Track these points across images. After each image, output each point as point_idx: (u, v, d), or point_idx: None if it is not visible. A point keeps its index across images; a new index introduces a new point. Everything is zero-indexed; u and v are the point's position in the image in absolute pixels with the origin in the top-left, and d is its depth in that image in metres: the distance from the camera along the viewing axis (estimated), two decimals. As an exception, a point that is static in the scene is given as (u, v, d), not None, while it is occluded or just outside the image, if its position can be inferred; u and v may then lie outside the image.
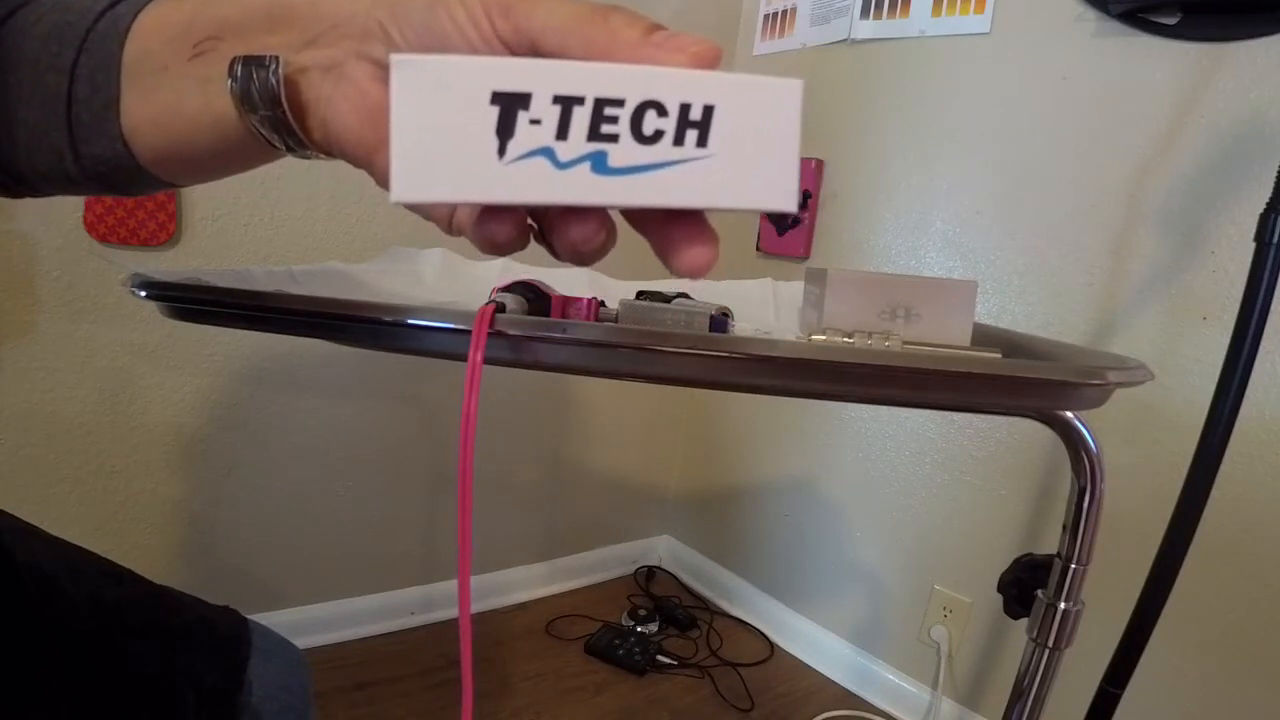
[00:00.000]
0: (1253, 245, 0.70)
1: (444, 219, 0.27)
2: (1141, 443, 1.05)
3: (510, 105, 0.19)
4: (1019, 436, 1.21)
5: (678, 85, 0.20)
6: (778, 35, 1.57)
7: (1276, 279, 0.69)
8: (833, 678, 1.48)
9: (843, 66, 1.44)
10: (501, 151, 0.19)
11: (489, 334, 0.31)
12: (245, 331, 0.38)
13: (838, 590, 1.50)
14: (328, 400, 1.32)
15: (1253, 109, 0.95)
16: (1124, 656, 0.79)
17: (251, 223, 1.18)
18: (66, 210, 1.03)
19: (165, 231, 1.10)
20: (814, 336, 0.47)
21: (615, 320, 0.47)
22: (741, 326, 0.49)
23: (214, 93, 0.27)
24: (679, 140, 0.20)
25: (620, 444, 1.76)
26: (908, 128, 1.34)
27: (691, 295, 0.53)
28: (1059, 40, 1.13)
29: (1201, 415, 0.74)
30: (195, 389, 1.20)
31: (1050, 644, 0.52)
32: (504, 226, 0.24)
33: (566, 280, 0.52)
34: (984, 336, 0.51)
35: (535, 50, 0.23)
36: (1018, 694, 0.55)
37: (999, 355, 0.45)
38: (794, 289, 0.62)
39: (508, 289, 0.44)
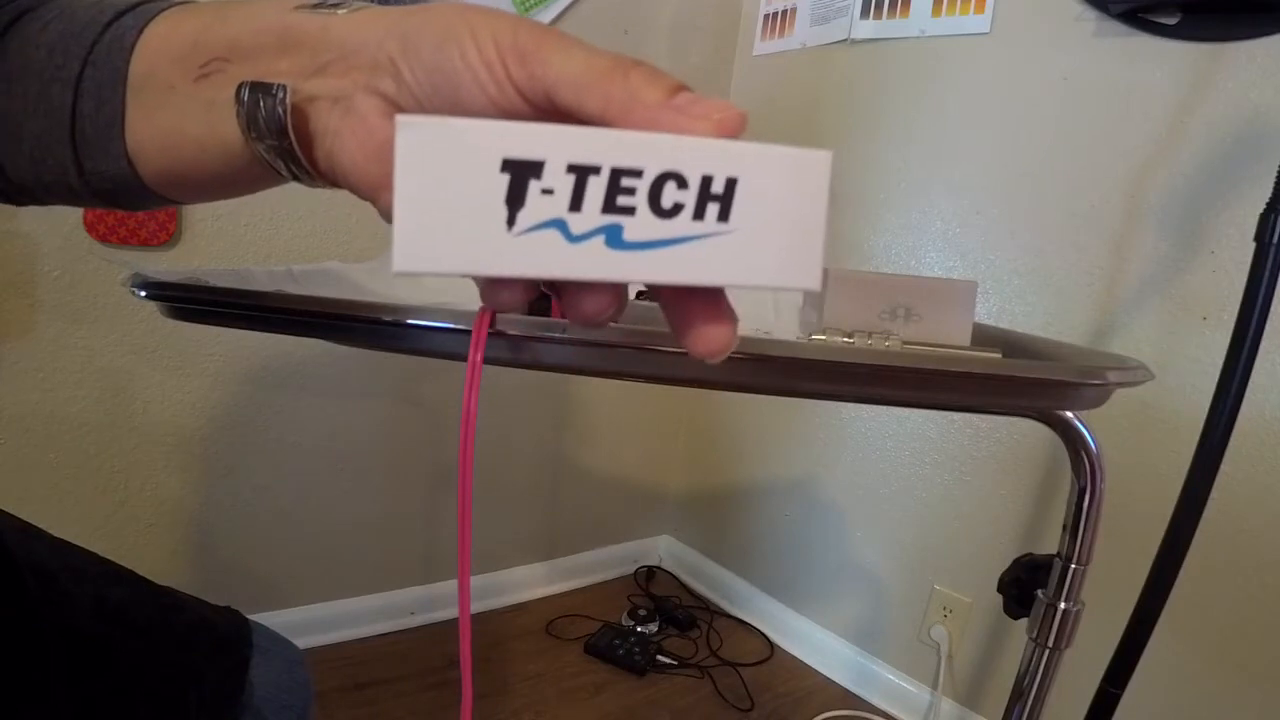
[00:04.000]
0: (1253, 245, 0.70)
1: None
2: (1141, 443, 1.05)
3: (522, 173, 0.18)
4: (1019, 436, 1.21)
5: (700, 156, 0.19)
6: (778, 35, 1.57)
7: (1276, 279, 0.69)
8: (833, 678, 1.48)
9: (843, 66, 1.44)
10: (511, 222, 0.18)
11: (489, 334, 0.31)
12: (245, 331, 0.39)
13: (838, 590, 1.50)
14: (328, 400, 1.32)
15: (1253, 109, 0.95)
16: (1124, 656, 0.79)
17: (251, 223, 1.18)
18: (67, 210, 1.03)
19: (165, 231, 1.10)
20: (814, 336, 0.47)
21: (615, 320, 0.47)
22: (741, 326, 0.49)
23: (219, 117, 0.26)
24: (699, 214, 0.19)
25: (620, 444, 1.76)
26: (908, 128, 1.34)
27: None
28: (1059, 40, 1.13)
29: (1201, 415, 0.73)
30: (195, 389, 1.19)
31: (1050, 644, 0.52)
32: (513, 294, 0.23)
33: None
34: (984, 336, 0.51)
35: (549, 100, 0.22)
36: (1018, 694, 0.55)
37: (999, 355, 0.45)
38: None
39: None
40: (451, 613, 1.52)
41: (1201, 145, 1.00)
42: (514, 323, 0.33)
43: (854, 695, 1.43)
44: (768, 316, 0.60)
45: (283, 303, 0.37)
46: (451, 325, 0.33)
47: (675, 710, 1.35)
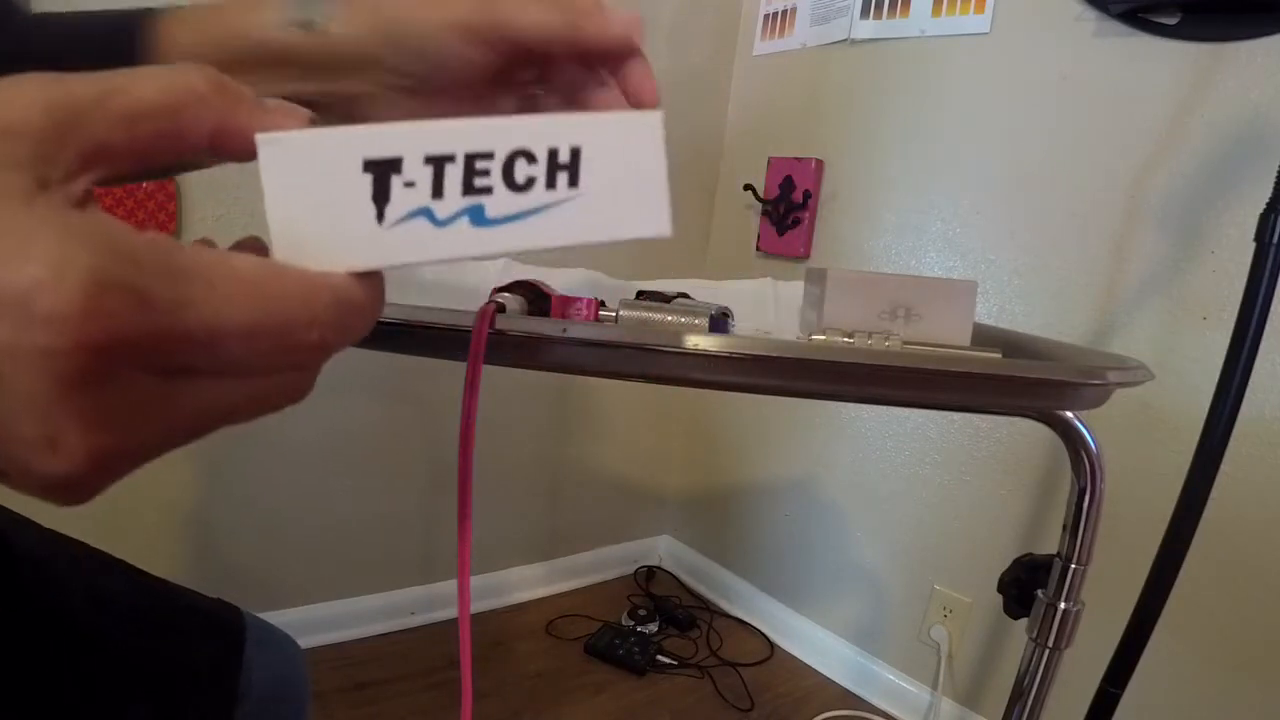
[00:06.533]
0: (1253, 245, 0.70)
1: None
2: (1141, 443, 1.05)
3: (383, 171, 0.20)
4: (1019, 436, 1.21)
5: (543, 132, 0.20)
6: (778, 35, 1.57)
7: (1276, 279, 0.69)
8: (833, 678, 1.48)
9: (843, 66, 1.44)
10: (380, 217, 0.20)
11: (489, 334, 0.31)
12: (245, 331, 0.38)
13: (838, 590, 1.50)
14: (327, 399, 1.32)
15: (1253, 109, 0.95)
16: (1124, 656, 0.79)
17: (251, 222, 1.18)
18: (66, 210, 1.03)
19: (165, 231, 1.10)
20: (814, 336, 0.47)
21: (615, 320, 0.47)
22: (741, 326, 0.49)
23: None
24: (551, 184, 0.21)
25: (620, 444, 1.76)
26: (908, 128, 1.34)
27: (691, 295, 0.53)
28: (1059, 40, 1.13)
29: (1201, 415, 0.73)
30: (195, 389, 1.19)
31: (1050, 644, 0.52)
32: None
33: (566, 280, 0.52)
34: (984, 336, 0.51)
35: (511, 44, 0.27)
36: (1018, 694, 0.55)
37: (999, 355, 0.45)
38: (794, 289, 0.61)
39: (508, 289, 0.44)
40: (451, 613, 1.52)
41: (1201, 145, 1.00)
42: (514, 323, 0.33)
43: (854, 695, 1.43)
44: (768, 316, 0.60)
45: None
46: (452, 325, 0.33)
47: (675, 710, 1.35)
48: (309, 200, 0.19)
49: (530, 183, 0.20)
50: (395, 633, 1.47)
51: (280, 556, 1.34)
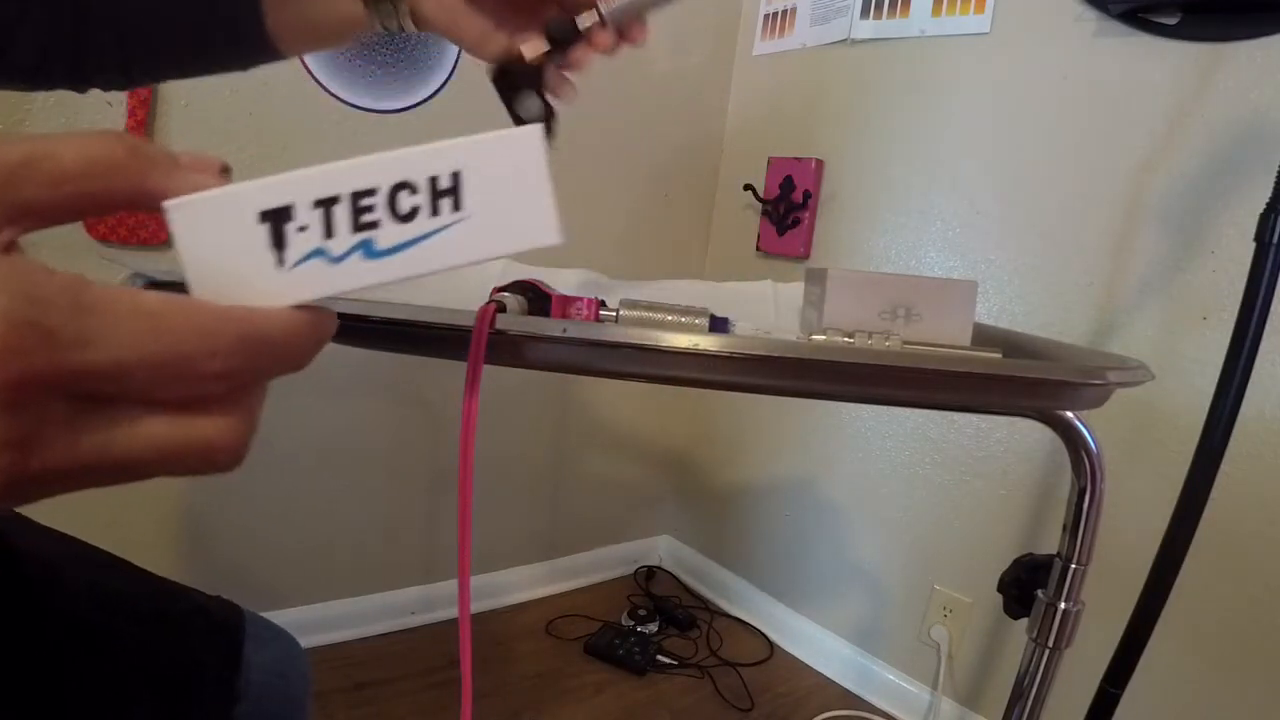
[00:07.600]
0: (1253, 245, 0.70)
1: None
2: (1142, 443, 1.05)
3: (277, 219, 0.21)
4: (1019, 436, 1.21)
5: (423, 162, 0.22)
6: (778, 35, 1.57)
7: (1276, 279, 0.69)
8: (833, 678, 1.48)
9: (843, 66, 1.44)
10: (281, 262, 0.21)
11: (489, 334, 0.31)
12: (245, 331, 0.38)
13: (838, 590, 1.50)
14: (328, 400, 1.32)
15: (1253, 109, 0.95)
16: (1124, 656, 0.79)
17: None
18: (66, 210, 1.03)
19: (165, 231, 1.10)
20: (814, 336, 0.47)
21: (615, 320, 0.47)
22: (741, 326, 0.49)
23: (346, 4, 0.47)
24: (435, 211, 0.22)
25: (620, 443, 1.76)
26: (908, 128, 1.34)
27: (691, 299, 0.53)
28: (1059, 40, 1.13)
29: (1201, 415, 0.73)
30: (195, 389, 1.19)
31: (1050, 644, 0.52)
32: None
33: (566, 280, 0.52)
34: (984, 336, 0.51)
35: None
36: (1018, 694, 0.55)
37: (999, 355, 0.45)
38: (794, 289, 0.62)
39: (508, 289, 0.44)
40: (451, 613, 1.52)
41: (1201, 145, 1.00)
42: (514, 323, 0.33)
43: (854, 695, 1.43)
44: (768, 316, 0.60)
45: (283, 302, 0.36)
46: (451, 325, 0.33)
47: (675, 710, 1.35)
48: (217, 252, 0.21)
49: (415, 212, 0.21)
50: (395, 633, 1.47)
51: (280, 556, 1.34)
